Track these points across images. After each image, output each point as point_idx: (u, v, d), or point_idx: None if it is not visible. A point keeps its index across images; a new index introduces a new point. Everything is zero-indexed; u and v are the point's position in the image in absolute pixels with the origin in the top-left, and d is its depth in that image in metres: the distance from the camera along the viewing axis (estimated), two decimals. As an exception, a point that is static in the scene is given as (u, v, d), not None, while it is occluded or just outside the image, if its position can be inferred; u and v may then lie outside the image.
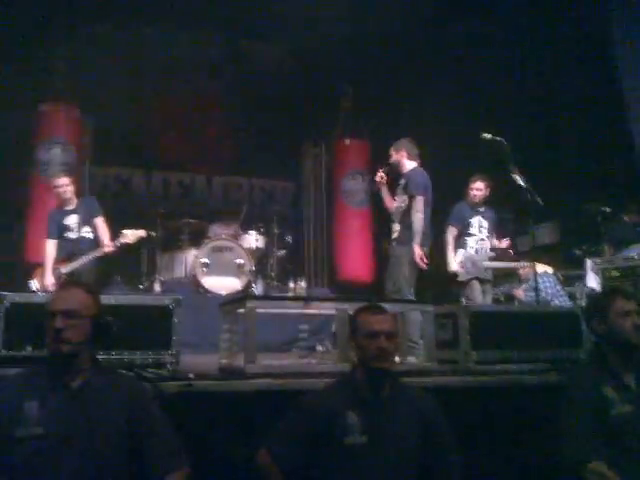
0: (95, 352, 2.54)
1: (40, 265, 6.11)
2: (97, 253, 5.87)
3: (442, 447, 2.66)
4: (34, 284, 6.05)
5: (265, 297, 4.88)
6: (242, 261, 7.57)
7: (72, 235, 5.94)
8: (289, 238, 8.51)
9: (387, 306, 2.89)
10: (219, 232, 8.35)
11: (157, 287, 7.79)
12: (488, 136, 5.36)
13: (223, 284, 7.45)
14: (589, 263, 7.37)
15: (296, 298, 4.33)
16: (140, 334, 3.34)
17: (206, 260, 7.50)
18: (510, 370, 3.84)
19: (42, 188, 8.04)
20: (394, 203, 5.39)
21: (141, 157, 9.74)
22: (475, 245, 5.98)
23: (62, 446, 2.19)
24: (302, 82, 9.22)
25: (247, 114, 9.38)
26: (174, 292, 7.20)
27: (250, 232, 8.23)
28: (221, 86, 9.29)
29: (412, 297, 4.90)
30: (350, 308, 3.27)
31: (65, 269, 5.82)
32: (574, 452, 2.74)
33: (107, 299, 3.19)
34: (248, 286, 7.60)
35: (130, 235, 5.89)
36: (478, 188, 6.00)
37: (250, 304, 3.45)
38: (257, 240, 8.15)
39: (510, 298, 7.10)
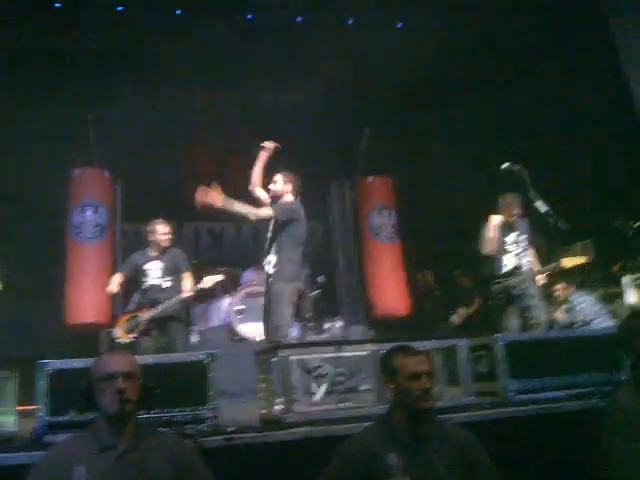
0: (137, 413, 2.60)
1: (122, 314, 6.22)
2: (176, 299, 5.99)
3: None
4: (115, 332, 6.09)
5: (296, 344, 4.90)
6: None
7: (150, 281, 6.03)
8: (321, 278, 8.52)
9: (423, 343, 2.90)
10: (251, 278, 8.42)
11: (194, 338, 7.87)
12: (506, 166, 5.39)
13: (259, 330, 7.46)
14: (625, 280, 7.23)
15: (328, 343, 4.33)
16: (178, 391, 3.37)
17: (241, 307, 7.55)
18: (551, 398, 3.78)
19: (77, 250, 8.29)
20: (269, 234, 5.28)
21: (171, 210, 9.92)
22: (512, 263, 5.80)
23: None
24: (320, 124, 9.36)
25: (270, 160, 9.52)
26: (211, 342, 7.30)
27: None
28: (243, 135, 9.45)
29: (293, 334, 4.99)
30: (384, 349, 3.27)
31: (144, 316, 5.91)
32: (620, 476, 2.70)
33: (144, 359, 3.25)
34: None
35: (209, 280, 6.14)
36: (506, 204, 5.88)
37: (283, 353, 3.47)
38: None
39: (551, 322, 6.98)
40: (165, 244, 6.09)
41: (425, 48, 8.16)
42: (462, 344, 3.83)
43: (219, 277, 6.30)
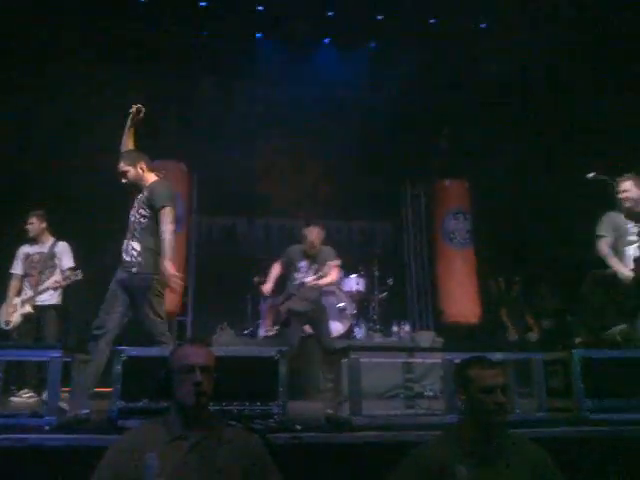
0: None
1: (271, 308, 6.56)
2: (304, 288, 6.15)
3: None
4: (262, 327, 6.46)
5: (369, 347, 4.90)
6: (344, 305, 7.61)
7: (300, 278, 6.19)
8: (390, 281, 8.47)
9: (496, 355, 2.84)
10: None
11: (261, 332, 7.96)
12: (592, 175, 5.12)
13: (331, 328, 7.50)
14: None
15: (401, 349, 4.29)
16: (248, 385, 3.41)
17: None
18: (628, 419, 3.62)
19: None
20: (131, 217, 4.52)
21: (244, 205, 10.08)
22: (636, 253, 5.12)
23: None
24: (398, 124, 9.31)
25: (344, 158, 9.53)
26: (282, 337, 7.39)
27: (350, 276, 8.27)
28: (317, 132, 9.49)
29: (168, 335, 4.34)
30: (456, 358, 3.21)
31: (283, 308, 6.09)
32: None
33: (217, 351, 3.29)
34: (350, 330, 7.61)
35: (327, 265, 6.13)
36: (625, 189, 5.18)
37: (354, 355, 3.46)
38: (358, 283, 8.17)
39: None
40: (317, 247, 6.20)
41: (507, 49, 8.03)
42: (537, 357, 3.72)
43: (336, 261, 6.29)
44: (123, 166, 4.51)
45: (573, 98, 8.48)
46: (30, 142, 8.05)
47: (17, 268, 6.11)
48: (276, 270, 6.31)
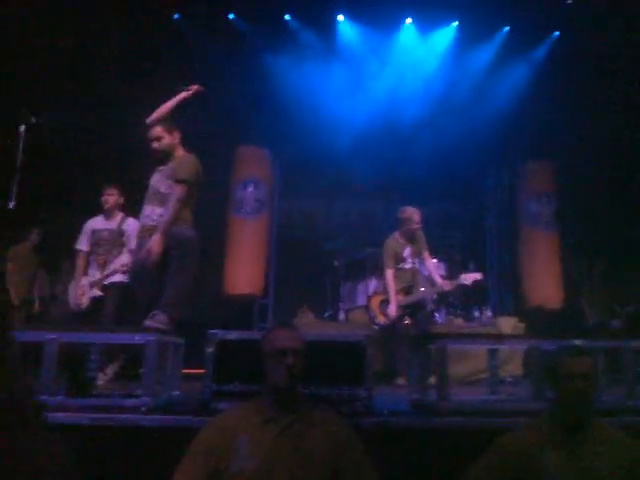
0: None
1: (376, 295, 6.61)
2: (435, 290, 6.34)
3: None
4: (373, 313, 6.46)
5: (456, 335, 4.86)
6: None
7: (405, 266, 6.30)
8: (472, 265, 8.37)
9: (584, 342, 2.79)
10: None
11: (341, 315, 8.02)
12: None
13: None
14: None
15: (487, 336, 4.25)
16: (334, 369, 3.43)
17: (388, 289, 7.57)
18: None
19: (237, 225, 8.72)
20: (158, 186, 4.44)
21: (324, 189, 10.15)
22: None
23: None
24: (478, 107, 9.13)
25: (426, 141, 9.40)
26: (354, 322, 7.44)
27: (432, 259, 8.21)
28: (398, 115, 9.41)
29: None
30: (543, 344, 3.17)
31: (404, 301, 6.21)
32: None
33: (305, 335, 3.34)
34: (430, 316, 7.57)
35: (469, 278, 6.13)
36: None
37: (441, 342, 3.47)
38: (438, 268, 8.08)
39: None
40: (416, 232, 6.28)
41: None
42: (626, 345, 3.61)
43: (479, 276, 6.24)
44: (161, 131, 4.47)
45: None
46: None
47: (83, 244, 5.59)
48: (391, 279, 6.22)
